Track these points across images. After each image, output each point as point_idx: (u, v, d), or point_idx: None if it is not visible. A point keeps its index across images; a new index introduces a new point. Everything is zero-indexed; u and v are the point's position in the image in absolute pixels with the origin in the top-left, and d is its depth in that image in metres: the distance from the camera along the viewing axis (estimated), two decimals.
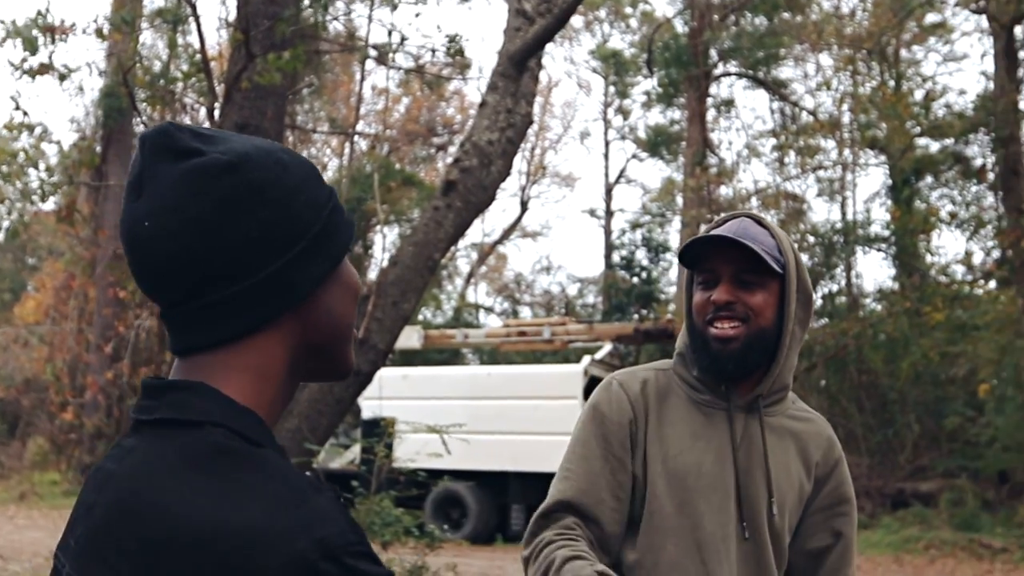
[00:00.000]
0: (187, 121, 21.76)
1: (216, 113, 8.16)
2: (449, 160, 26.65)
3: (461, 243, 32.00)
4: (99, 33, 7.22)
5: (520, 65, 9.39)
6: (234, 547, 0.89)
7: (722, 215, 2.13)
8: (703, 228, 2.12)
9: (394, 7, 8.70)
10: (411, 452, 9.32)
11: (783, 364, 2.02)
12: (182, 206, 0.98)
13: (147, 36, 22.56)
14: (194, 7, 7.65)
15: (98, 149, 21.00)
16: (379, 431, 8.98)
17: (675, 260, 24.28)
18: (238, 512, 0.90)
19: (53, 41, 7.72)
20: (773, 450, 2.03)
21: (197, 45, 8.42)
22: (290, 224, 1.02)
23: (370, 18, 10.87)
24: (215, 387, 1.00)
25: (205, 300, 0.99)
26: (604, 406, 2.07)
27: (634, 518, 2.04)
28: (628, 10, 30.11)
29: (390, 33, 9.51)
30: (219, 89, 8.61)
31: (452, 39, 8.89)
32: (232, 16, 11.14)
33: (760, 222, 2.06)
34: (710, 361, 2.00)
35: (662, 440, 2.03)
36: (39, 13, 7.40)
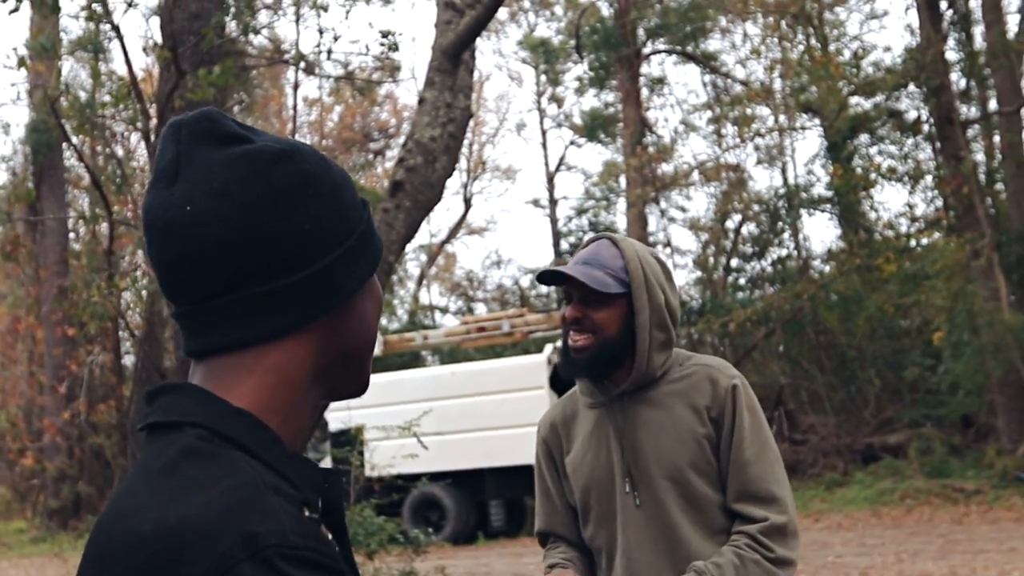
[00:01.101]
0: (119, 150, 21.39)
1: (152, 135, 7.99)
2: (390, 164, 26.43)
3: (409, 246, 31.84)
4: (21, 63, 7.02)
5: (454, 59, 9.30)
6: (165, 547, 0.82)
7: (588, 237, 2.54)
8: (579, 246, 2.49)
9: (324, 9, 8.55)
10: (385, 458, 9.22)
11: (645, 363, 2.34)
12: (233, 191, 0.92)
13: (68, 66, 22.17)
14: (117, 29, 7.47)
15: (31, 185, 20.57)
16: (349, 440, 8.87)
17: None
18: (177, 511, 0.83)
19: None
20: (654, 420, 2.34)
21: (120, 72, 8.29)
22: (340, 220, 0.97)
23: (297, 26, 10.71)
24: (218, 388, 0.94)
25: (245, 293, 0.93)
26: (536, 451, 2.56)
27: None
28: None
29: (320, 32, 9.34)
30: (152, 111, 8.43)
31: (386, 34, 8.78)
32: (157, 36, 10.93)
33: (615, 243, 2.38)
34: (568, 366, 2.40)
35: (572, 455, 2.45)
36: None
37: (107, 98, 8.65)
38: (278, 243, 0.93)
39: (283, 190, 0.93)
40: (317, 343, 0.97)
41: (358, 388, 1.05)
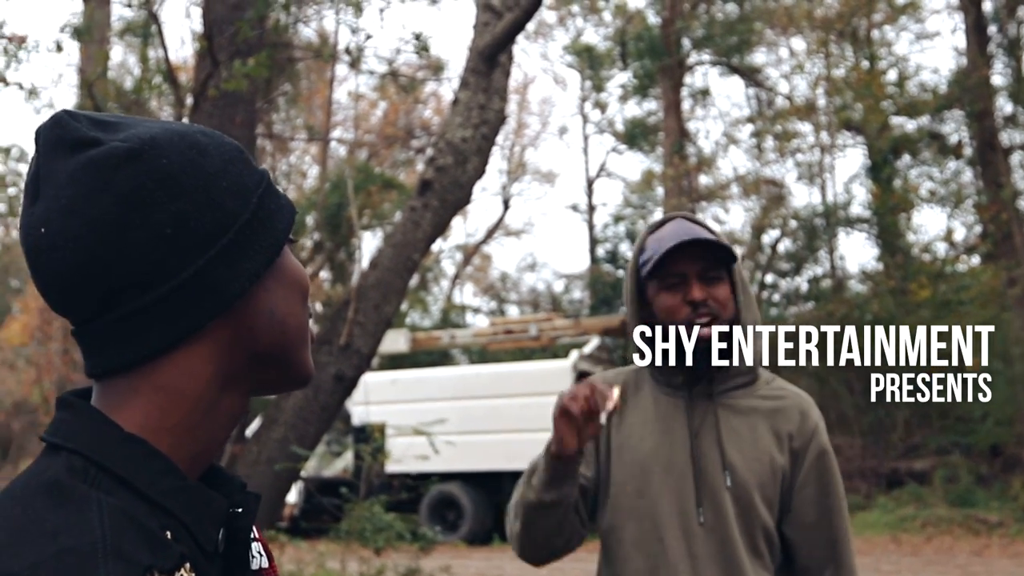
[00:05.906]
0: None
1: (184, 122, 8.08)
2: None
3: (445, 244, 31.94)
4: (58, 47, 7.13)
5: (491, 60, 9.33)
6: None
7: (658, 219, 2.24)
8: (644, 231, 2.22)
9: (359, 9, 8.62)
10: (405, 455, 9.27)
11: (751, 349, 2.13)
12: (78, 208, 0.85)
13: (118, 52, 22.46)
14: (156, 17, 7.57)
15: None
16: (365, 436, 8.92)
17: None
18: (8, 557, 0.77)
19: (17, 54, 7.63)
20: (735, 430, 2.12)
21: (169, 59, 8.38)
22: (211, 215, 0.88)
23: (337, 21, 10.78)
24: (110, 410, 0.89)
25: (118, 313, 0.87)
26: None
27: (600, 502, 2.19)
28: (601, 3, 30.06)
29: (354, 31, 9.42)
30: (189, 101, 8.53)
31: (418, 36, 8.81)
32: (198, 26, 11.08)
33: (695, 221, 2.19)
34: (701, 360, 2.08)
35: (624, 431, 2.18)
36: None
37: (146, 84, 8.78)
38: (139, 255, 0.86)
39: (134, 196, 0.85)
40: (216, 351, 0.91)
41: (292, 382, 0.99)
